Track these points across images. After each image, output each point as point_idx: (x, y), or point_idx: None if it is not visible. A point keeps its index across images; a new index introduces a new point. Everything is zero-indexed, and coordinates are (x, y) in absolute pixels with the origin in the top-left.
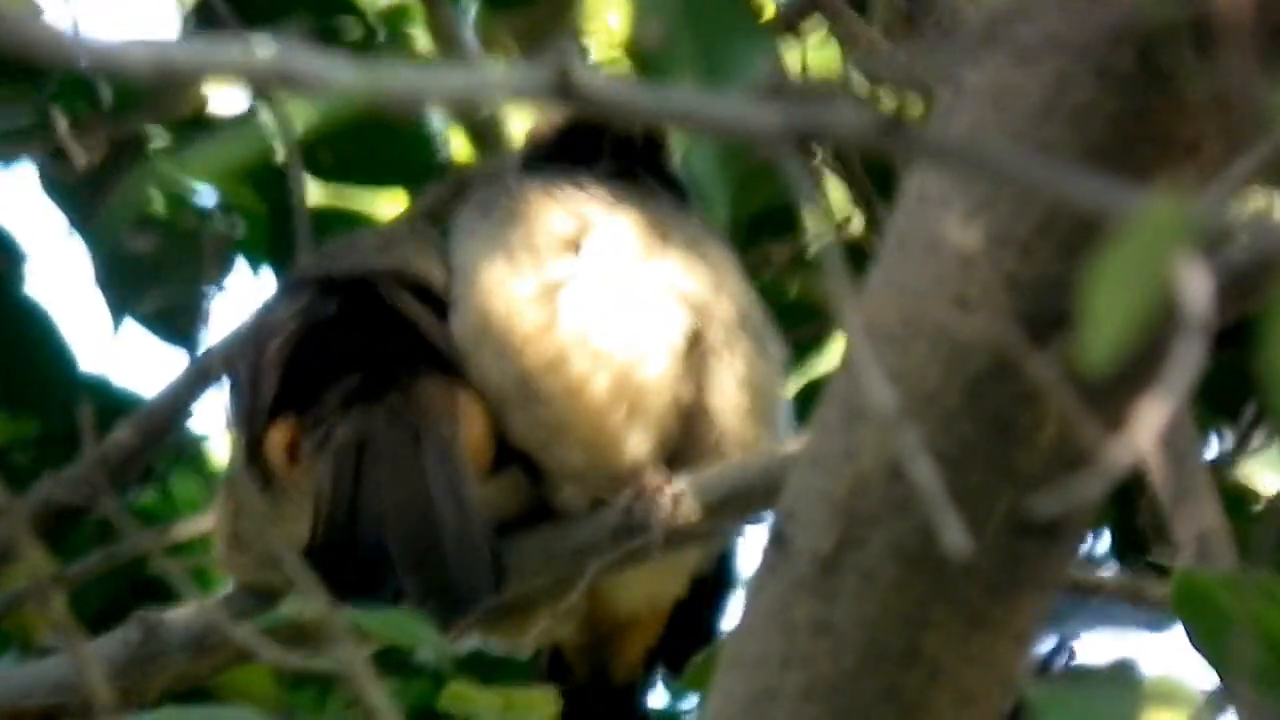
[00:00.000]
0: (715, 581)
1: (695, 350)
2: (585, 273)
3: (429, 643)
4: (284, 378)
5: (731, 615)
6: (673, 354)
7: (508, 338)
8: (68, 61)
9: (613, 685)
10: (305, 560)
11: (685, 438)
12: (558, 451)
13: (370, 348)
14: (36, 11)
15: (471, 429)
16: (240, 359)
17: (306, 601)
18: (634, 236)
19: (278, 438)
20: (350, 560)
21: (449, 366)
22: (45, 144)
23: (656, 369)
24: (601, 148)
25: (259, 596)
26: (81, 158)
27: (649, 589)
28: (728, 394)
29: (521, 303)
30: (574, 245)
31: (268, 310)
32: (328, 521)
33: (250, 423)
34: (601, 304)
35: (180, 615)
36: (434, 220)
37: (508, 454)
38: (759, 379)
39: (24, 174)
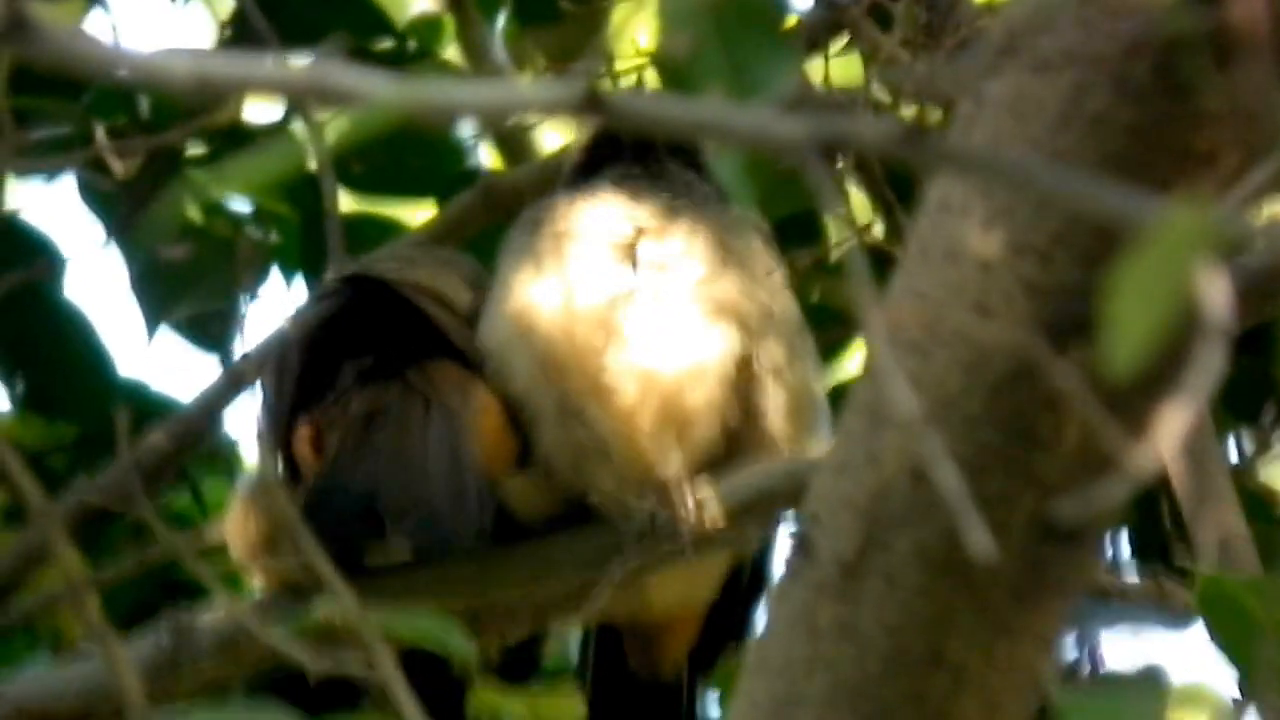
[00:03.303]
0: (749, 583)
1: (744, 373)
2: (639, 292)
3: (457, 646)
4: (306, 376)
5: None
6: (723, 379)
7: (551, 356)
8: (108, 73)
9: (662, 680)
10: (302, 509)
11: (728, 452)
12: (589, 470)
13: (386, 337)
14: (77, 24)
15: (486, 414)
16: (266, 366)
17: (337, 604)
18: (691, 251)
19: (303, 432)
20: (341, 504)
21: (465, 360)
22: (84, 155)
23: (705, 395)
24: (649, 151)
25: (290, 599)
26: (119, 168)
27: (680, 591)
28: (774, 413)
29: (569, 321)
30: (628, 257)
31: (295, 317)
32: (328, 469)
33: (277, 424)
34: (653, 327)
35: (211, 618)
36: (460, 229)
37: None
38: (804, 396)
39: (64, 183)
